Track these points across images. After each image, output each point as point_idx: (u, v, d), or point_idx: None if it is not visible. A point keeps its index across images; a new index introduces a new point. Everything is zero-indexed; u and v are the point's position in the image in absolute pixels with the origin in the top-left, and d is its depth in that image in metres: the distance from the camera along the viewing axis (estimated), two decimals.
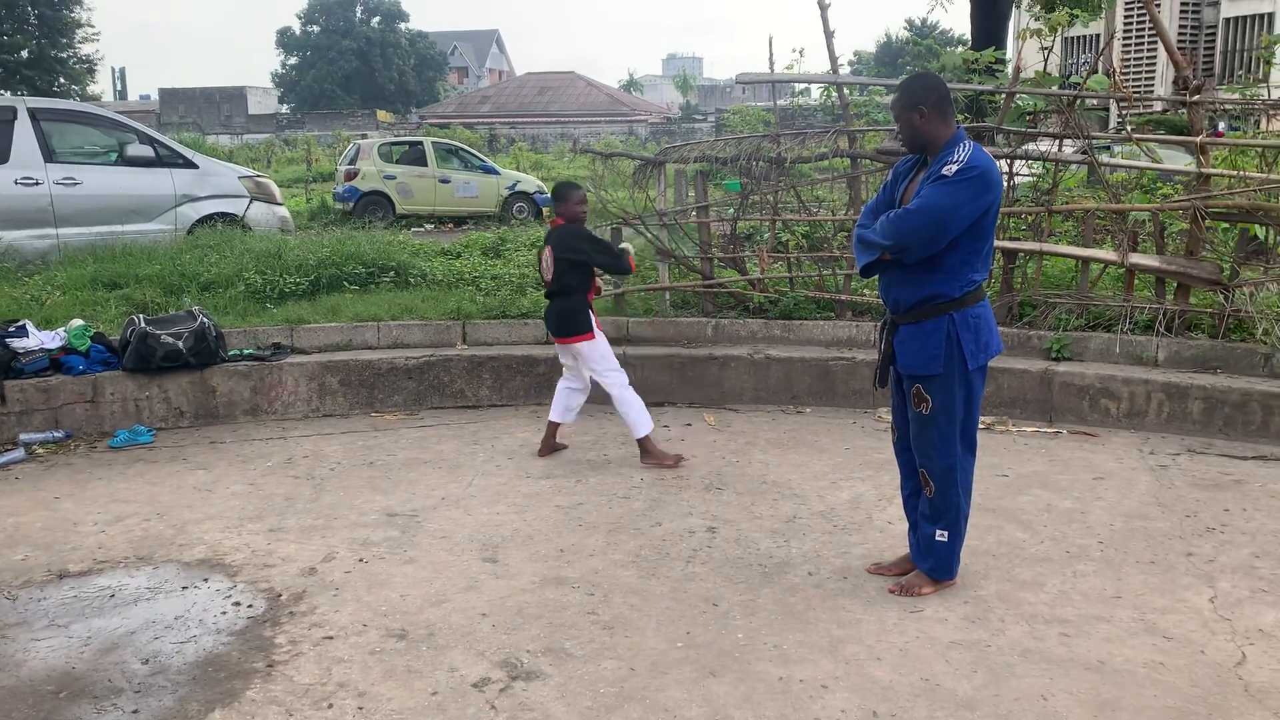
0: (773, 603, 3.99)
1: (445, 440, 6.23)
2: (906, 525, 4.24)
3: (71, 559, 4.54)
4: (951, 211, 3.59)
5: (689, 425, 6.52)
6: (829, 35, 7.10)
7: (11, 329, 6.41)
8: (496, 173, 19.58)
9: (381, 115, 52.10)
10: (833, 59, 7.26)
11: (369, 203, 18.15)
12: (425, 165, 18.85)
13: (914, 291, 3.77)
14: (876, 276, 3.99)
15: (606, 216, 8.31)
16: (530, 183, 19.76)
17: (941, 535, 3.94)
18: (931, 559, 3.99)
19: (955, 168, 3.61)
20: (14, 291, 7.85)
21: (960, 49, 18.22)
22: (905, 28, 67.03)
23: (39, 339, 6.40)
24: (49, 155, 10.01)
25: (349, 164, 18.97)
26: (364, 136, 34.28)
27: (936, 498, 3.91)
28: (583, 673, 3.49)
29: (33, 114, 10.06)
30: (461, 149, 20.38)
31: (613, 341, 7.36)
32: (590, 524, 4.87)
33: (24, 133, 9.90)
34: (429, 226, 17.51)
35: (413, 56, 67.76)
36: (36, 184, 9.84)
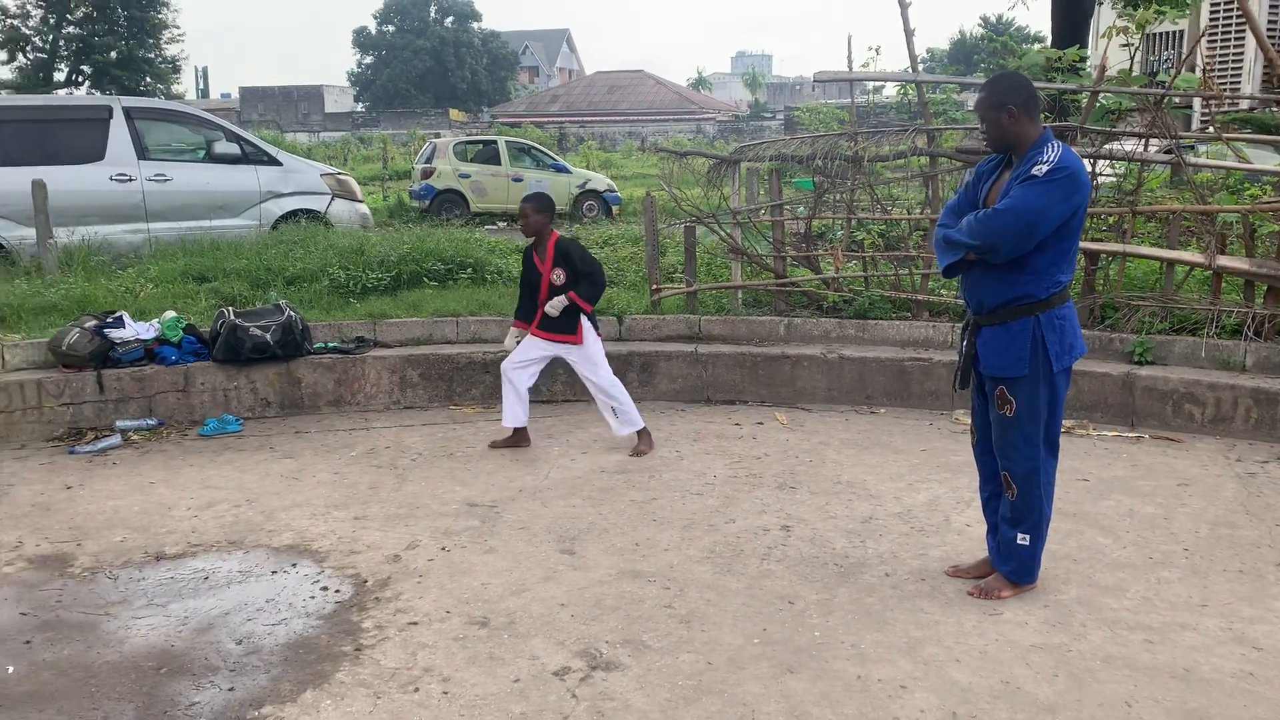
0: (849, 602, 3.99)
1: None
2: (985, 528, 4.22)
3: (167, 542, 4.72)
4: (1041, 212, 3.56)
5: (760, 424, 6.54)
6: (909, 34, 7.05)
7: (109, 320, 6.66)
8: (568, 171, 19.73)
9: (454, 114, 52.82)
10: (913, 57, 7.21)
11: (444, 200, 18.43)
12: (499, 164, 19.07)
13: (999, 292, 3.75)
14: (957, 277, 3.97)
15: (679, 214, 8.36)
16: (600, 181, 19.88)
17: (1023, 539, 3.91)
18: (1012, 562, 3.97)
19: (1045, 168, 3.58)
20: (110, 284, 8.15)
21: (1037, 46, 17.90)
22: (980, 25, 65.96)
23: (135, 330, 6.64)
24: (142, 152, 10.37)
25: (425, 162, 19.28)
26: (437, 135, 34.81)
27: (1018, 501, 3.88)
28: (661, 665, 3.54)
29: (127, 113, 10.43)
30: (534, 148, 20.59)
31: (683, 339, 7.45)
32: (664, 519, 4.91)
33: (119, 131, 10.27)
34: (501, 224, 17.72)
35: (485, 56, 68.52)
36: (130, 180, 10.20)
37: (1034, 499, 3.88)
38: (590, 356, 5.95)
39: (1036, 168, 3.59)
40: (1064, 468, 4.70)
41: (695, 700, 3.31)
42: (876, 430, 6.34)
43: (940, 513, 4.94)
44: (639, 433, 5.98)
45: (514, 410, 5.99)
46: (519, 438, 6.08)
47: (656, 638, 3.73)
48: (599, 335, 6.03)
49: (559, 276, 5.81)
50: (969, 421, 4.25)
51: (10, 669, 3.56)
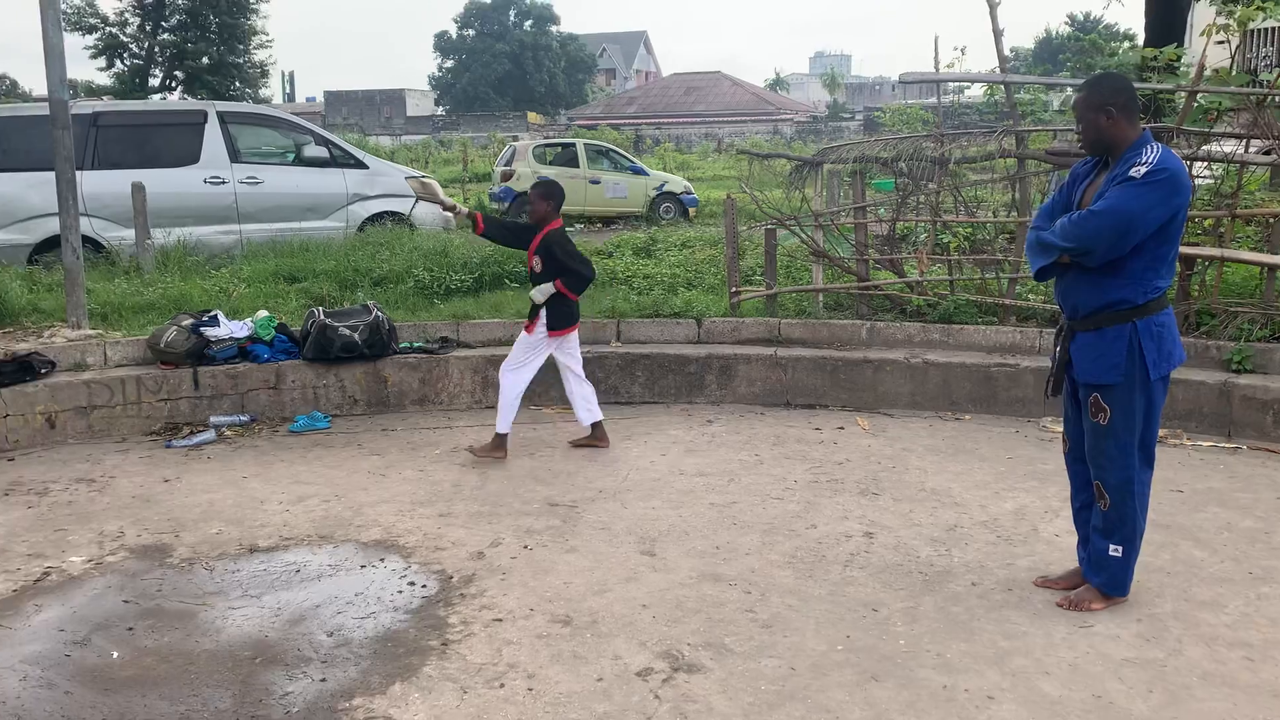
0: (934, 611, 3.94)
1: None
2: (1076, 539, 4.13)
3: (260, 535, 4.86)
4: (1140, 215, 3.48)
5: (841, 429, 6.48)
6: (998, 34, 6.93)
7: (205, 319, 6.88)
8: (645, 173, 19.78)
9: (532, 117, 53.35)
10: (1001, 57, 7.08)
11: (523, 203, 18.58)
12: (577, 166, 19.21)
13: (1095, 297, 3.67)
14: (1050, 281, 3.90)
15: (759, 217, 8.34)
16: (677, 183, 19.89)
17: (1115, 550, 3.82)
18: (1104, 574, 3.88)
19: (1144, 169, 3.49)
20: (204, 284, 8.42)
21: (1126, 44, 17.39)
22: (1067, 22, 64.47)
23: (229, 328, 6.85)
24: (234, 156, 10.70)
25: (505, 165, 19.51)
26: (515, 138, 35.22)
27: (1111, 511, 3.80)
28: (743, 669, 3.54)
29: (221, 117, 10.76)
30: (612, 150, 20.68)
31: (763, 342, 7.43)
32: (745, 523, 4.90)
33: (213, 135, 10.61)
34: (579, 227, 17.84)
35: (563, 59, 69.11)
36: (223, 183, 10.53)
37: (1128, 510, 3.79)
38: (529, 344, 5.97)
39: (1135, 169, 3.51)
40: (1158, 478, 4.56)
41: (779, 705, 3.30)
42: (961, 437, 6.24)
43: (1028, 522, 4.85)
44: (498, 435, 5.96)
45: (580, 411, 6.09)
46: (598, 435, 6.13)
47: (738, 641, 3.73)
48: (556, 332, 5.92)
49: (537, 264, 5.89)
50: (1058, 429, 4.17)
51: (115, 654, 3.70)
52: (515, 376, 5.96)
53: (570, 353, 6.09)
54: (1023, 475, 5.50)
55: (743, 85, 59.83)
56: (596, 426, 6.12)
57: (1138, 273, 3.60)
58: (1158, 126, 6.91)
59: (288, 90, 77.20)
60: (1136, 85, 6.93)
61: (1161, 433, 5.84)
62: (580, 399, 6.08)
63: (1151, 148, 3.56)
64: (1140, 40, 11.38)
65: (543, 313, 5.88)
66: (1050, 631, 3.76)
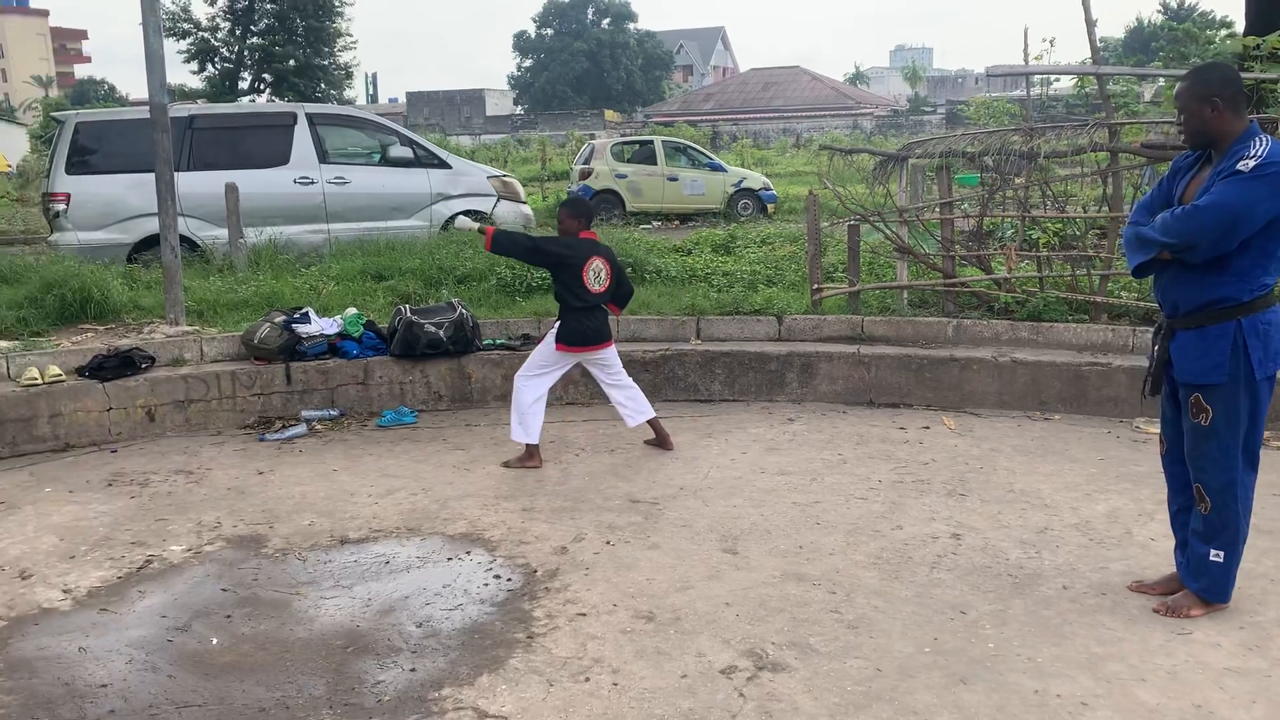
0: (1024, 614, 3.87)
1: (680, 433, 6.36)
2: (1173, 543, 4.01)
3: (350, 527, 4.97)
4: (1247, 209, 3.36)
5: (926, 428, 6.39)
6: (1091, 25, 6.75)
7: (296, 315, 7.06)
8: (724, 170, 19.72)
9: (609, 115, 53.55)
10: (1094, 49, 6.90)
11: (601, 201, 18.71)
12: (655, 164, 19.23)
13: (1198, 294, 3.55)
14: (1148, 278, 3.79)
15: (841, 213, 8.25)
16: (756, 179, 19.79)
17: (1216, 555, 3.70)
18: (1204, 579, 3.76)
19: (1253, 163, 3.37)
20: (295, 281, 8.65)
21: (1224, 32, 16.75)
22: (1160, 10, 62.50)
23: (319, 325, 7.02)
24: (322, 156, 10.96)
25: (583, 163, 19.63)
26: (592, 136, 35.40)
27: (1212, 515, 3.68)
28: (828, 669, 3.51)
29: (310, 119, 11.04)
30: (690, 147, 20.66)
31: (845, 339, 7.35)
32: (828, 523, 4.87)
33: (302, 136, 10.88)
34: (656, 224, 17.87)
35: (640, 56, 69.22)
36: (312, 183, 10.79)
37: (1230, 513, 3.67)
38: (545, 354, 5.92)
39: (1243, 162, 3.39)
40: (1262, 481, 4.39)
41: (865, 706, 3.27)
42: (1051, 437, 6.10)
43: (1121, 525, 4.72)
44: (527, 447, 5.82)
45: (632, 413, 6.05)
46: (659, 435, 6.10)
47: (823, 641, 3.70)
48: (555, 345, 5.85)
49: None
50: (1152, 430, 4.06)
51: (214, 640, 3.83)
52: (525, 384, 5.84)
53: (601, 365, 5.99)
54: (1115, 477, 5.36)
55: (822, 80, 59.26)
56: (654, 425, 6.06)
57: (1244, 269, 3.47)
58: (1263, 118, 6.66)
59: (371, 91, 78.77)
60: (1242, 75, 6.71)
61: (1266, 434, 5.63)
62: (620, 407, 6.01)
63: (1260, 140, 3.43)
64: (1240, 28, 10.96)
65: (557, 323, 5.84)
66: (1146, 638, 3.66)
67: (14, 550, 4.72)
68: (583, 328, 5.79)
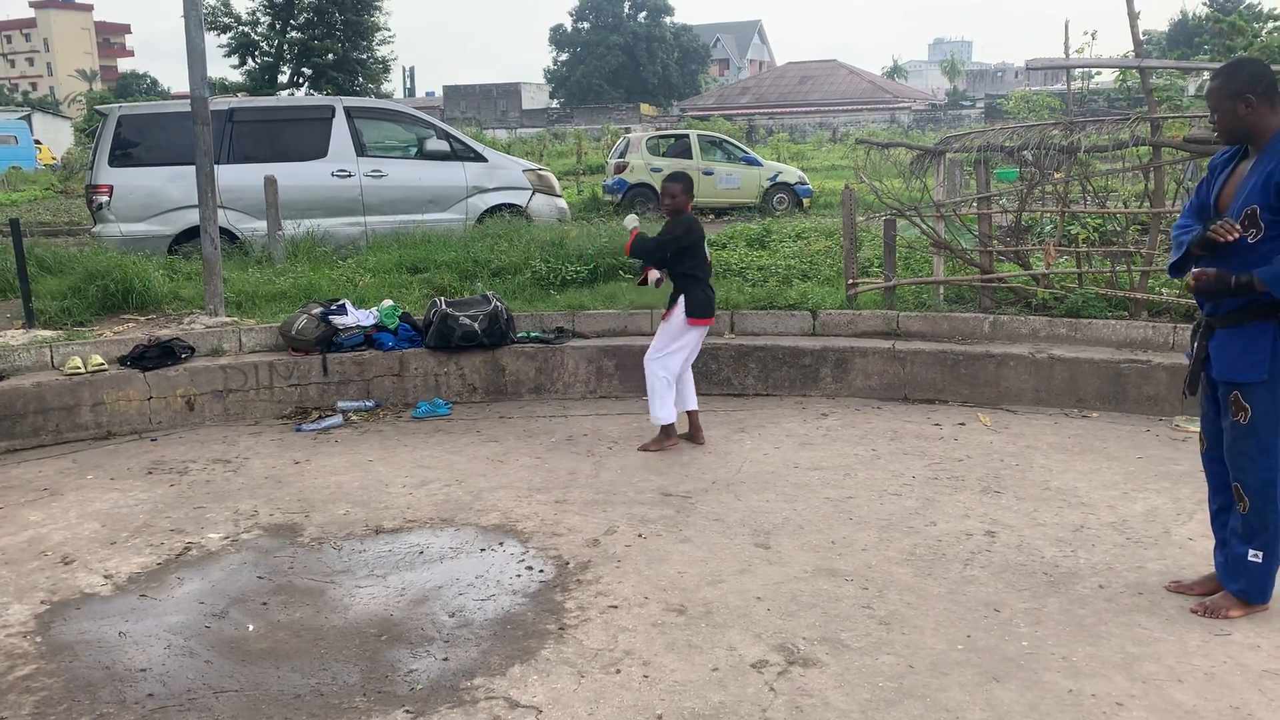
0: (1059, 613, 3.83)
1: (713, 426, 6.35)
2: (1212, 542, 3.96)
3: (385, 516, 5.02)
4: None
5: (961, 424, 6.34)
6: (1133, 18, 6.64)
7: (333, 307, 7.13)
8: (759, 164, 19.64)
9: (644, 109, 53.54)
10: (1136, 42, 6.79)
11: (636, 194, 18.70)
12: (690, 158, 19.18)
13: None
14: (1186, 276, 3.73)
15: (877, 207, 8.19)
16: (791, 173, 19.69)
17: (1255, 556, 3.65)
18: (1242, 580, 3.70)
19: None
20: (332, 273, 8.73)
21: (1271, 25, 16.42)
22: (1204, 3, 61.40)
23: (356, 317, 7.09)
24: (360, 149, 11.04)
25: (619, 157, 19.62)
26: (628, 130, 35.36)
27: (1252, 514, 3.62)
28: (860, 664, 3.50)
29: (348, 112, 11.12)
30: (725, 141, 20.59)
31: (880, 335, 7.31)
32: (861, 518, 4.85)
33: (340, 129, 10.97)
34: None
35: (676, 50, 69.13)
36: (349, 176, 10.88)
37: (1269, 513, 3.61)
38: (668, 332, 5.91)
39: None
40: None
41: (896, 703, 3.26)
42: (1088, 435, 6.03)
43: (1159, 524, 4.66)
44: (664, 428, 5.96)
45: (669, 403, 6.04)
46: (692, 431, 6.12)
47: (855, 637, 3.69)
48: (686, 320, 5.87)
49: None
50: (1191, 428, 4.01)
51: (250, 627, 3.88)
52: (658, 364, 5.92)
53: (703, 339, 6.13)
54: (1154, 475, 5.29)
55: (859, 73, 58.84)
56: (692, 417, 6.08)
57: None
58: None
59: (408, 85, 79.10)
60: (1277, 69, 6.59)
61: None
62: (685, 386, 6.08)
63: None
64: None
65: (681, 299, 5.85)
66: (1184, 638, 3.61)
67: (57, 536, 4.81)
68: (709, 298, 5.95)
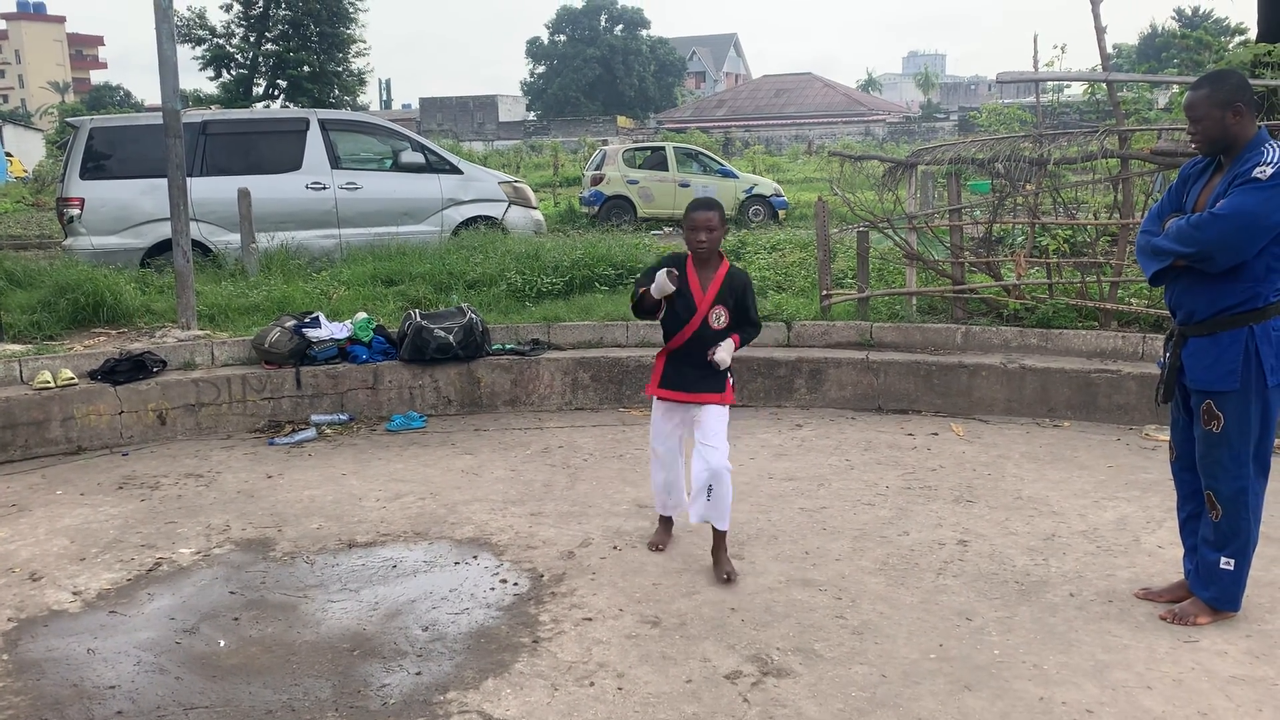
0: (1031, 621, 3.86)
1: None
2: (1180, 550, 4.00)
3: (358, 530, 4.99)
4: (1265, 217, 3.35)
5: (934, 434, 6.38)
6: (1100, 31, 6.74)
7: (307, 320, 7.09)
8: (735, 176, 19.74)
9: (621, 121, 53.68)
10: (1104, 55, 6.88)
11: (612, 206, 18.76)
12: (666, 170, 19.27)
13: (1212, 302, 3.54)
14: (1161, 286, 3.77)
15: (851, 219, 8.25)
16: (767, 185, 19.80)
17: (1227, 563, 3.69)
18: (1213, 587, 3.74)
19: (1270, 170, 3.35)
20: (306, 286, 8.68)
21: (1238, 39, 16.67)
22: (1174, 18, 62.32)
23: (330, 330, 7.05)
24: (334, 162, 11.01)
25: (595, 169, 19.68)
26: (604, 142, 35.44)
27: (1223, 522, 3.66)
28: (833, 674, 3.51)
29: (322, 124, 11.09)
30: (701, 153, 20.70)
31: (854, 346, 7.34)
32: (835, 529, 4.86)
33: (314, 142, 10.93)
34: (667, 229, 17.89)
35: (653, 63, 69.42)
36: (324, 188, 10.84)
37: (1241, 521, 3.66)
38: (724, 416, 4.52)
39: (1259, 169, 3.37)
40: (1273, 489, 4.39)
41: (869, 713, 3.27)
42: (1060, 444, 6.08)
43: (1129, 532, 4.71)
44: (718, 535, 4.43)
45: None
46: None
47: (828, 647, 3.70)
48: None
49: (719, 318, 4.35)
50: (1161, 437, 4.05)
51: (222, 643, 3.85)
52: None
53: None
54: (1124, 484, 5.34)
55: (834, 86, 59.26)
56: None
57: (1259, 275, 3.46)
58: (1272, 124, 6.64)
59: (385, 97, 79.11)
60: (1251, 82, 6.69)
61: (1277, 442, 5.60)
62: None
63: (1271, 147, 3.42)
64: (1252, 36, 10.93)
65: (729, 375, 4.53)
66: (1153, 645, 3.64)
67: (25, 552, 4.76)
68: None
